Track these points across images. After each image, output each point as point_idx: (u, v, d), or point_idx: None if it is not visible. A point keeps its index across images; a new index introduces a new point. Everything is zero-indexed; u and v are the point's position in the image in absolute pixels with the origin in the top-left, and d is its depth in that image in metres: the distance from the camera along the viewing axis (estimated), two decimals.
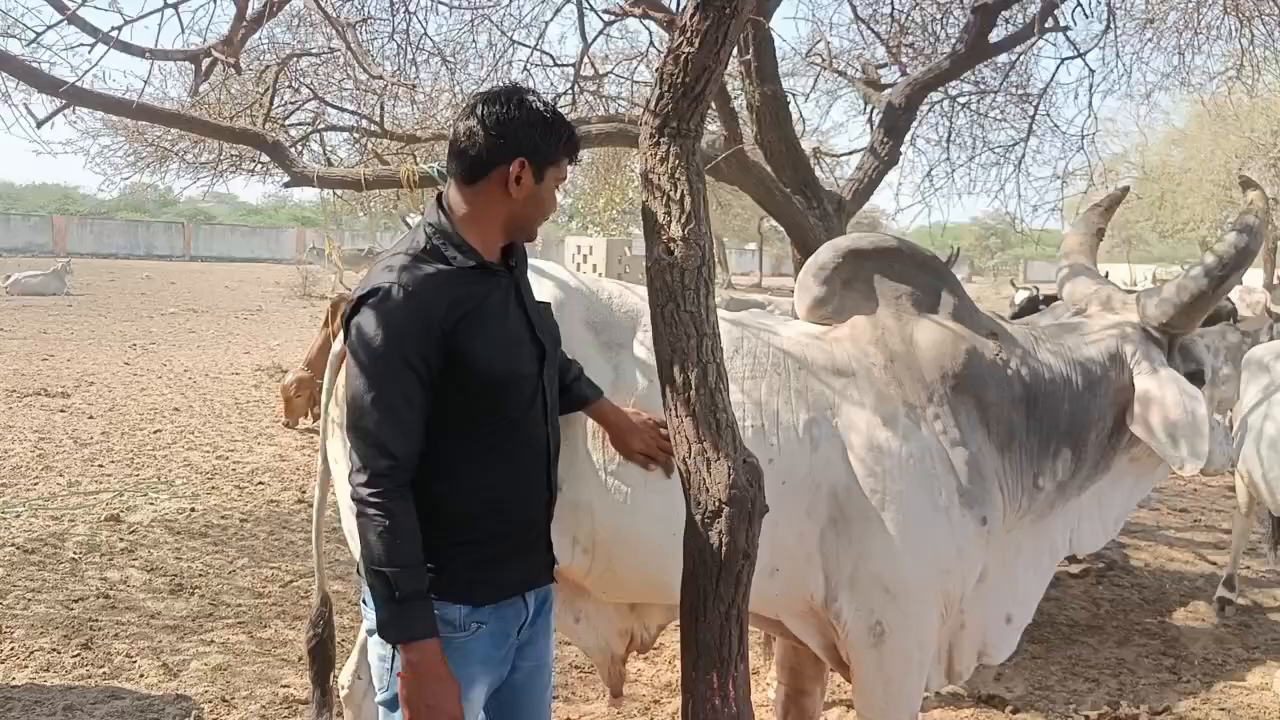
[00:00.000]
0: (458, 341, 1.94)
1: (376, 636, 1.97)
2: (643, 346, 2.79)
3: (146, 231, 48.33)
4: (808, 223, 5.50)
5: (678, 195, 2.17)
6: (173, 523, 6.36)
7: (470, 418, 2.00)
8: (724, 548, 2.13)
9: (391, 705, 2.00)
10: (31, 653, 4.36)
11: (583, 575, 2.81)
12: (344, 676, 2.90)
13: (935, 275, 3.02)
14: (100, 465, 7.78)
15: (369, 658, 2.10)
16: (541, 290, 2.80)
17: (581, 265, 17.14)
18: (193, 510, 6.67)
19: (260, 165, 8.12)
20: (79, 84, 4.29)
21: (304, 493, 7.22)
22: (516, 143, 2.00)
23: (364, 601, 2.06)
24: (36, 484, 7.14)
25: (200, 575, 5.46)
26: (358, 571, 2.03)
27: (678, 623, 3.22)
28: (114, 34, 4.08)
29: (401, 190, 6.24)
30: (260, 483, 7.53)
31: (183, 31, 5.22)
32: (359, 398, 1.89)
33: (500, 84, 2.19)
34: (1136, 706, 4.25)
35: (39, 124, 4.98)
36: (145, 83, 4.49)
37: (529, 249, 2.29)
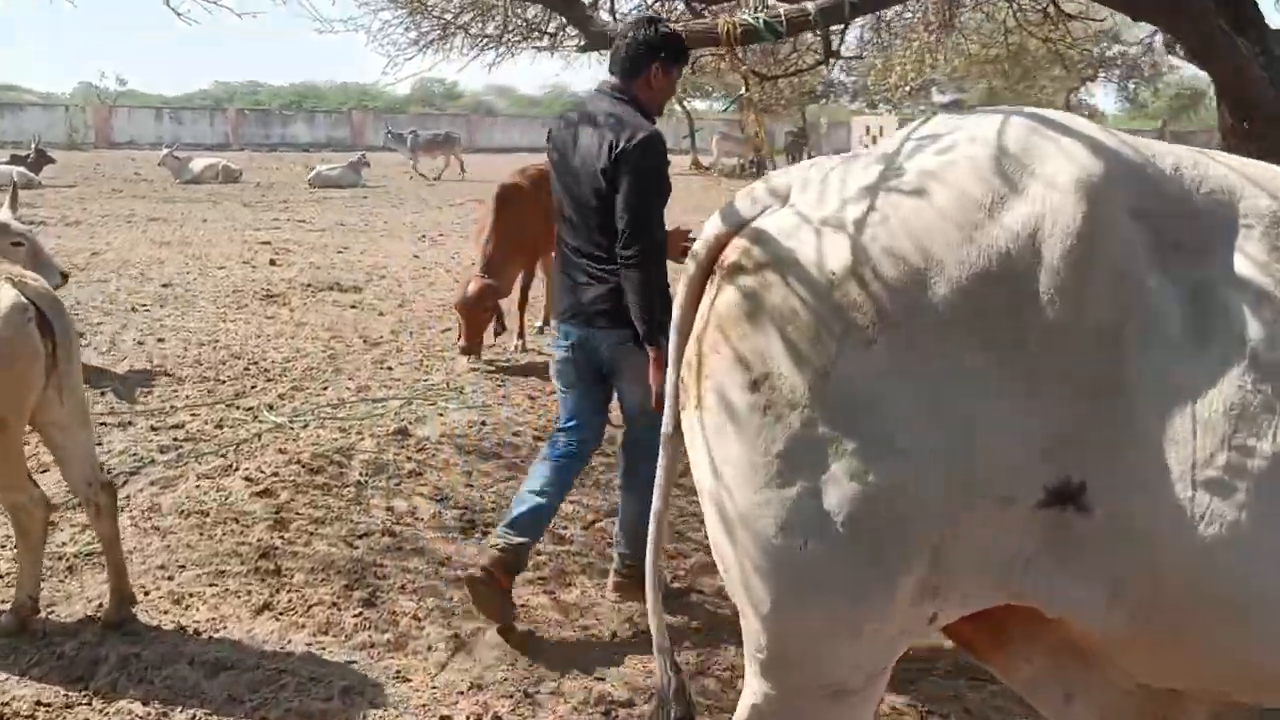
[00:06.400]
0: None
1: None
2: (1244, 255, 1.57)
3: (435, 124, 49.89)
4: (1252, 73, 4.12)
5: None
6: (463, 439, 5.73)
7: None
8: None
9: None
10: (310, 606, 3.75)
11: (1113, 639, 1.67)
12: None
13: None
14: (389, 368, 7.34)
15: None
16: (1063, 152, 1.63)
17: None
18: (483, 424, 6.02)
19: (548, 36, 7.23)
20: None
21: None
22: None
23: None
24: (326, 388, 6.74)
25: (492, 510, 4.76)
26: None
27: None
28: None
29: (718, 49, 5.17)
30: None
31: None
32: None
33: None
34: None
35: None
36: None
37: None
